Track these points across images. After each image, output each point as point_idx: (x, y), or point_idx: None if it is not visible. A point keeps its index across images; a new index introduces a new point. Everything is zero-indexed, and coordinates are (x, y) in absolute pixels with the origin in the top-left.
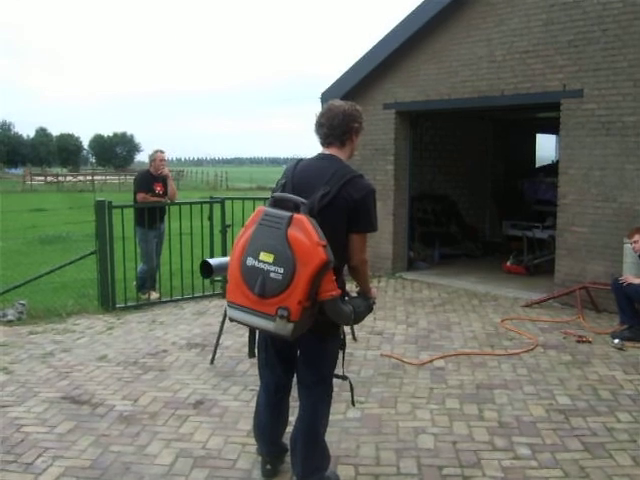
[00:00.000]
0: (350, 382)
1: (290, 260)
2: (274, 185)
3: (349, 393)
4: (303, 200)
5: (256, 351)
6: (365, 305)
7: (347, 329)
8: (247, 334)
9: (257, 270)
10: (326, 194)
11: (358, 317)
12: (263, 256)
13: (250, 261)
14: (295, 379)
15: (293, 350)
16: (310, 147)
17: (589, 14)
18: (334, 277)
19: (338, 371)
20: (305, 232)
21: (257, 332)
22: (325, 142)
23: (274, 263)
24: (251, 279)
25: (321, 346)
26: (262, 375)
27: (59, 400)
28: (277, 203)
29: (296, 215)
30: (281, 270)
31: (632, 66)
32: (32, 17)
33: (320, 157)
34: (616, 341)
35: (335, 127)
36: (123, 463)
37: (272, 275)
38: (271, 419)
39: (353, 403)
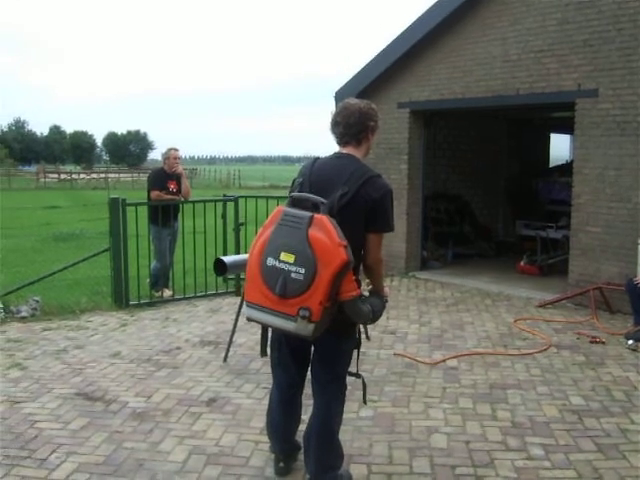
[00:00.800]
0: (363, 380)
1: (311, 260)
2: (287, 183)
3: (362, 392)
4: (322, 200)
5: (268, 350)
6: (380, 304)
7: (360, 328)
8: (260, 332)
9: (278, 270)
10: (345, 194)
11: (376, 316)
12: (284, 256)
13: (270, 261)
14: (309, 377)
15: (307, 349)
16: (324, 146)
17: (604, 13)
18: (354, 277)
19: (352, 369)
20: (326, 232)
21: (269, 331)
22: (341, 141)
23: (295, 263)
24: (271, 279)
25: (337, 345)
26: (275, 373)
27: (73, 396)
28: (296, 203)
29: (316, 215)
30: (302, 270)
31: None
32: (36, 14)
33: (337, 156)
34: (630, 342)
35: (351, 125)
36: (136, 459)
37: (293, 275)
38: (284, 417)
39: (365, 401)
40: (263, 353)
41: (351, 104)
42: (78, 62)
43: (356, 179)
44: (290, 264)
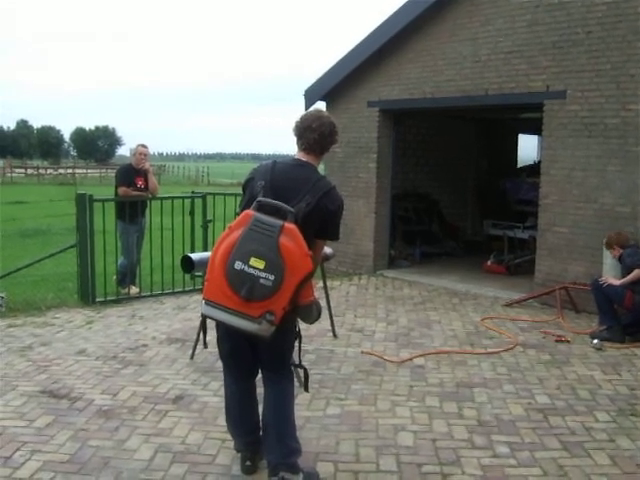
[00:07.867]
0: (306, 371)
1: (281, 268)
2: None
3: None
4: (291, 209)
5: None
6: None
7: (327, 326)
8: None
9: (246, 275)
10: (309, 204)
11: (320, 315)
12: (254, 262)
13: (239, 265)
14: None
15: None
16: (291, 145)
17: (573, 16)
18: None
19: (295, 360)
20: (296, 242)
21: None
22: (310, 148)
23: (265, 270)
24: (238, 282)
25: (283, 338)
26: (230, 365)
27: (37, 394)
28: (262, 207)
29: (287, 224)
30: (272, 277)
31: (615, 68)
32: (19, 7)
33: (299, 164)
34: (595, 341)
35: (326, 136)
36: (102, 458)
37: (262, 281)
38: (246, 406)
39: (307, 390)
40: (205, 345)
41: (325, 116)
42: (45, 55)
43: (318, 190)
44: (260, 270)
